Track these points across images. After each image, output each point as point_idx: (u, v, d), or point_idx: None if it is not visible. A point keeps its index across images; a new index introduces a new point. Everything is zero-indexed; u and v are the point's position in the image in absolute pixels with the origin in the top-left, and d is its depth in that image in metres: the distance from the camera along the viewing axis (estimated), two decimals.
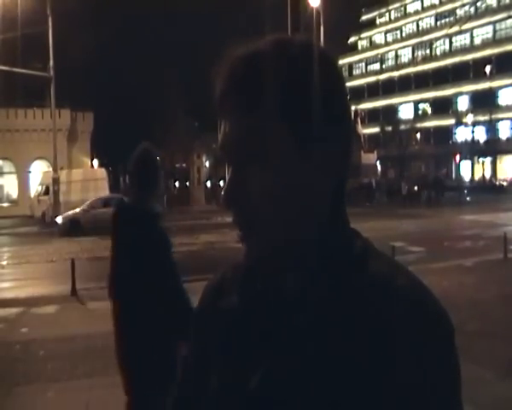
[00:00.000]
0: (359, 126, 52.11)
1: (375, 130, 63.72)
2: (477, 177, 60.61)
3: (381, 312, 0.74)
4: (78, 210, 25.00)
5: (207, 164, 54.15)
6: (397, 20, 76.66)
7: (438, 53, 69.06)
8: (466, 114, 57.80)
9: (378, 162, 51.47)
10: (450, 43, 67.43)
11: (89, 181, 33.25)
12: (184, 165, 49.52)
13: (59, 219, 24.37)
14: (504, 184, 49.89)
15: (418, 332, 0.72)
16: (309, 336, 0.77)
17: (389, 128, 60.74)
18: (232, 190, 0.80)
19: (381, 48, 77.63)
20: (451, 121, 61.56)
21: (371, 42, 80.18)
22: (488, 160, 60.90)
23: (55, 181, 28.89)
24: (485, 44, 62.79)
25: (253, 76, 0.78)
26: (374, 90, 74.17)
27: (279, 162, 0.78)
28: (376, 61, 77.81)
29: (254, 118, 0.78)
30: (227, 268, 0.95)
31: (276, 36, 0.84)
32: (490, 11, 62.53)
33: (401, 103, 71.30)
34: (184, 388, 0.96)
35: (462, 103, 63.42)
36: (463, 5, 63.66)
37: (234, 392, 0.82)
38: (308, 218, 0.80)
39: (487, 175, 59.70)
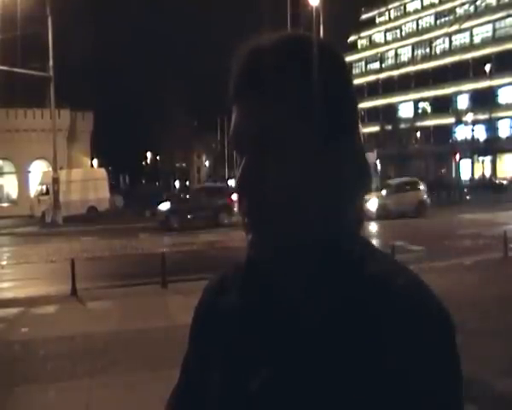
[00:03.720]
0: (359, 125, 51.88)
1: (375, 129, 63.69)
2: (477, 175, 60.59)
3: (381, 311, 0.74)
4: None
5: (207, 164, 54.16)
6: (396, 19, 76.59)
7: (437, 52, 69.00)
8: (466, 112, 57.73)
9: (378, 161, 51.40)
10: (450, 41, 67.37)
11: (89, 181, 33.27)
12: (184, 165, 49.55)
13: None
14: (504, 182, 49.87)
15: (419, 332, 0.72)
16: (310, 336, 0.77)
17: (389, 127, 60.76)
18: (247, 177, 0.80)
19: (380, 47, 77.57)
20: (451, 120, 61.52)
21: (371, 41, 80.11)
22: (488, 158, 60.88)
23: (55, 181, 28.90)
24: (485, 43, 62.75)
25: (273, 68, 0.79)
26: (374, 89, 74.08)
27: (293, 155, 0.78)
28: (376, 60, 77.75)
29: (272, 110, 0.78)
30: (227, 268, 0.95)
31: (294, 31, 0.86)
32: (489, 10, 62.42)
33: (401, 102, 71.26)
34: (185, 388, 0.95)
35: (462, 102, 63.37)
36: (463, 4, 63.50)
37: (235, 393, 0.82)
38: (314, 214, 0.80)
39: (487, 174, 59.69)
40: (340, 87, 0.82)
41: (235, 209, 25.47)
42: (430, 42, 68.68)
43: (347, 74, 0.85)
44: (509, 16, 60.14)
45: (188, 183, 46.22)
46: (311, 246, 0.80)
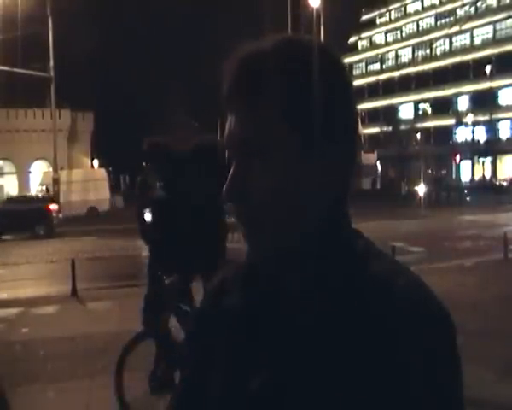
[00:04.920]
0: (359, 126, 51.96)
1: (375, 130, 63.72)
2: (477, 177, 60.62)
3: (382, 312, 0.74)
4: None
5: None
6: (397, 20, 76.63)
7: (438, 53, 69.05)
8: (466, 114, 57.79)
9: (378, 162, 51.43)
10: (451, 43, 67.41)
11: (89, 181, 33.28)
12: None
13: None
14: (504, 184, 49.90)
15: (419, 332, 0.72)
16: (311, 336, 0.77)
17: (389, 128, 60.76)
18: (234, 185, 0.80)
19: (381, 48, 77.61)
20: (451, 121, 61.55)
21: (371, 42, 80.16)
22: (488, 160, 60.90)
23: (56, 181, 28.94)
24: (486, 44, 62.79)
25: (260, 74, 0.79)
26: (374, 91, 74.13)
27: (280, 161, 0.78)
28: (376, 61, 77.79)
29: (258, 116, 0.79)
30: (227, 269, 0.95)
31: (286, 35, 0.85)
32: (490, 11, 62.47)
33: (401, 103, 71.28)
34: (186, 388, 0.95)
35: (463, 103, 63.40)
36: (463, 5, 63.60)
37: (235, 393, 0.82)
38: (308, 217, 0.80)
39: (487, 175, 59.69)
40: (336, 96, 0.80)
41: (55, 220, 24.69)
42: (430, 43, 68.74)
43: (346, 82, 0.84)
44: (509, 17, 60.14)
45: None
46: (308, 249, 0.80)
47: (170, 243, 4.80)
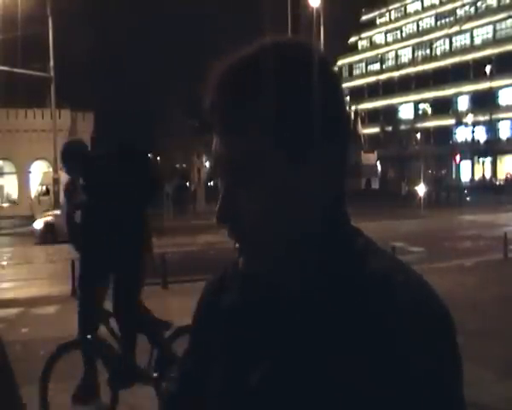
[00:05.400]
0: (359, 126, 52.18)
1: (375, 130, 63.69)
2: (477, 177, 60.62)
3: (381, 309, 0.73)
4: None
5: (207, 164, 54.28)
6: (397, 20, 76.63)
7: (438, 53, 69.05)
8: (466, 114, 57.78)
9: (378, 162, 51.41)
10: (451, 43, 67.41)
11: None
12: (184, 165, 49.54)
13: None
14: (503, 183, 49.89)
15: (419, 329, 0.72)
16: (310, 332, 0.77)
17: (389, 128, 60.76)
18: (224, 208, 0.80)
19: (381, 48, 77.59)
20: (451, 121, 61.53)
21: (371, 42, 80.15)
22: (488, 160, 60.89)
23: (56, 181, 28.92)
24: (486, 44, 62.78)
25: (239, 90, 0.77)
26: (374, 91, 74.15)
27: (268, 180, 0.77)
28: (376, 62, 77.78)
29: (241, 134, 0.77)
30: (228, 265, 0.95)
31: (264, 41, 0.81)
32: (490, 11, 62.49)
33: (401, 103, 71.28)
34: (184, 384, 0.96)
35: (463, 103, 63.39)
36: (463, 5, 63.68)
37: (234, 389, 0.83)
38: (304, 227, 0.79)
39: (487, 175, 59.69)
40: (322, 103, 0.77)
41: None
42: (430, 43, 68.76)
43: (333, 86, 0.82)
44: (509, 17, 60.15)
45: (188, 183, 46.32)
46: (308, 246, 0.80)
47: (98, 247, 4.61)
